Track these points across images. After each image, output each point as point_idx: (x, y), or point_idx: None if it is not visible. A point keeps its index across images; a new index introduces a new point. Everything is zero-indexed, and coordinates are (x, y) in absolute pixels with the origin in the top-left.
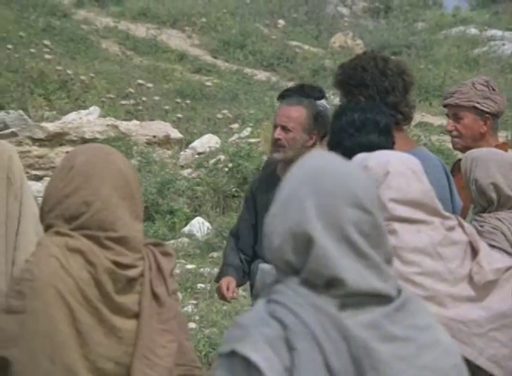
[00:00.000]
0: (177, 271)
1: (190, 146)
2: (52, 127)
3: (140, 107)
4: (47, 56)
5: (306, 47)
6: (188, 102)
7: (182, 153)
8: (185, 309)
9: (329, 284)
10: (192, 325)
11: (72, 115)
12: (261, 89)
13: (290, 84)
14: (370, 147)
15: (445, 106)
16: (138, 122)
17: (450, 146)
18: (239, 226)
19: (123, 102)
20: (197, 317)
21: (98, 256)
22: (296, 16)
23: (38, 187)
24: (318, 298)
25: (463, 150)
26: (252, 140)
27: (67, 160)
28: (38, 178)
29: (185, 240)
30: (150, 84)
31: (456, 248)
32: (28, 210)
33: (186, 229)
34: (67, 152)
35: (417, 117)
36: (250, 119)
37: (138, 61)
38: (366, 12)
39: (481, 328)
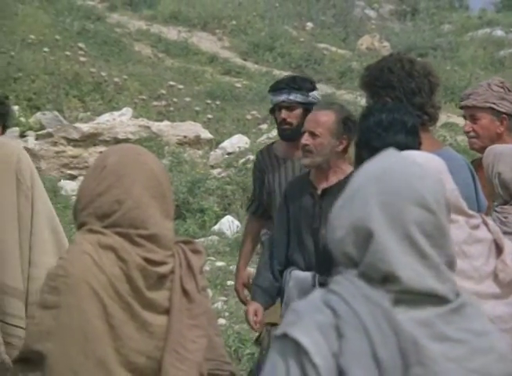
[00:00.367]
0: (207, 268)
1: (220, 146)
2: (86, 127)
3: (171, 108)
4: (82, 59)
5: (334, 49)
6: (218, 103)
7: (212, 153)
8: (215, 305)
9: (385, 279)
10: (221, 321)
11: (105, 116)
12: None
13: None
14: (398, 147)
15: (461, 107)
16: (169, 123)
17: None
18: (274, 233)
19: (155, 103)
20: (227, 313)
21: (129, 253)
22: (324, 19)
23: (73, 186)
24: (372, 291)
25: (481, 150)
26: None
27: (100, 160)
28: (73, 178)
29: (215, 238)
30: (181, 86)
31: (481, 246)
32: (40, 208)
33: (216, 227)
34: (101, 152)
35: (443, 117)
36: None
37: (170, 63)
38: (393, 14)
39: (506, 324)
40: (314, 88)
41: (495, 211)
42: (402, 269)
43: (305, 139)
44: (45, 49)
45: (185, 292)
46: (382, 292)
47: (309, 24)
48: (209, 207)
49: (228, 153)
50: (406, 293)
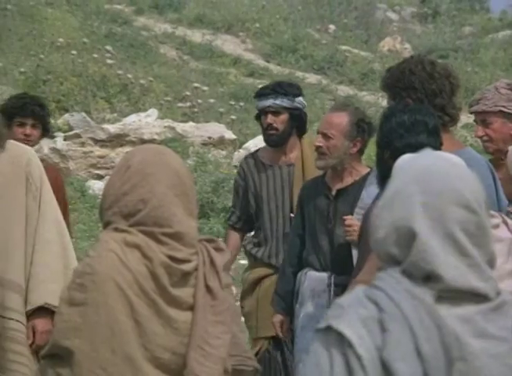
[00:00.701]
0: (231, 266)
1: (244, 146)
2: (113, 128)
3: (196, 109)
4: (109, 61)
5: (355, 51)
6: (241, 104)
7: (235, 153)
8: (239, 302)
9: (427, 278)
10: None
11: (132, 117)
12: (311, 92)
13: (340, 87)
14: (419, 148)
15: (471, 113)
16: (194, 124)
17: None
18: (291, 234)
19: (180, 104)
20: None
21: (154, 251)
22: (346, 22)
23: (100, 186)
24: (415, 288)
25: (496, 153)
26: None
27: (125, 160)
28: (100, 178)
29: None
30: (206, 88)
31: (501, 245)
32: (48, 209)
33: None
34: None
35: (463, 118)
36: None
37: (195, 65)
38: (415, 17)
39: None
40: (300, 94)
41: None
42: (444, 269)
43: (318, 141)
44: (74, 52)
45: (208, 289)
46: (424, 289)
47: (331, 27)
48: None
49: None
50: (448, 291)
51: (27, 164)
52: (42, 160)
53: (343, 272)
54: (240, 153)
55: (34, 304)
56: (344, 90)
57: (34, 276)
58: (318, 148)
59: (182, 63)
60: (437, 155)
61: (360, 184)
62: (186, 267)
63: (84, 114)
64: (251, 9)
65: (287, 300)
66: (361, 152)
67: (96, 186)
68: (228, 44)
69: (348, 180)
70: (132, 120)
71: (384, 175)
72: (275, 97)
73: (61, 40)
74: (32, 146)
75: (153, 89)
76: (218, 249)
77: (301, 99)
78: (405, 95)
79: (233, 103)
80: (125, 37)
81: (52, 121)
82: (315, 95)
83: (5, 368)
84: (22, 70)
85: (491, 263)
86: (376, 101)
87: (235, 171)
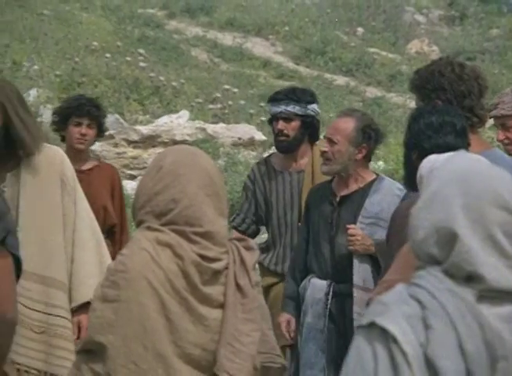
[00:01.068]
0: None
1: (273, 147)
2: (145, 130)
3: (226, 111)
4: (141, 64)
5: (384, 53)
6: None
7: (265, 153)
8: None
9: (469, 278)
10: None
11: (164, 119)
12: (340, 93)
13: (368, 88)
14: (447, 148)
15: (490, 117)
16: (224, 125)
17: None
18: (298, 238)
19: (210, 106)
20: None
21: (185, 250)
22: (374, 24)
23: (133, 186)
24: (457, 287)
25: None
26: None
27: (157, 161)
28: (133, 178)
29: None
30: (236, 90)
31: None
32: (82, 208)
33: None
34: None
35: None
36: (330, 122)
37: (225, 68)
38: (442, 19)
39: None
40: (314, 101)
41: None
42: (486, 270)
43: (324, 146)
44: (107, 55)
45: (238, 287)
46: (465, 289)
47: (360, 29)
48: None
49: None
50: (489, 291)
51: (60, 164)
52: (98, 158)
53: (343, 280)
54: None
55: (79, 300)
56: (372, 92)
57: (76, 273)
58: (323, 153)
59: (213, 65)
60: (473, 157)
61: (365, 191)
62: (217, 266)
63: (117, 116)
64: (281, 12)
65: (296, 301)
66: (367, 158)
67: (129, 186)
68: (258, 47)
69: (353, 187)
70: (164, 121)
71: (411, 175)
72: (287, 103)
73: (95, 43)
74: (88, 145)
75: (184, 91)
76: (248, 248)
77: (314, 106)
78: (435, 96)
79: (263, 104)
80: (158, 41)
81: None
82: (344, 97)
83: (52, 364)
84: (58, 72)
85: None
86: (403, 102)
87: None
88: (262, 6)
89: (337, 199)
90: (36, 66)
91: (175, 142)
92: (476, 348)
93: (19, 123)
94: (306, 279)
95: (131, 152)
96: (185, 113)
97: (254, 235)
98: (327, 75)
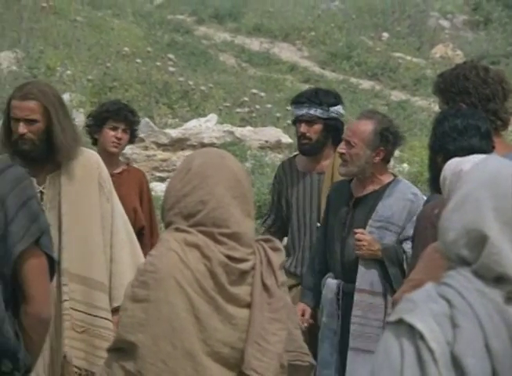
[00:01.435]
0: None
1: None
2: (174, 133)
3: (254, 115)
4: (171, 69)
5: (408, 58)
6: None
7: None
8: None
9: (498, 279)
10: None
11: (192, 122)
12: (365, 97)
13: (393, 92)
14: (472, 151)
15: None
16: (252, 128)
17: None
18: (318, 233)
19: (238, 110)
20: None
21: (213, 250)
22: (399, 29)
23: (162, 188)
24: (486, 288)
25: None
26: None
27: (185, 163)
28: (162, 180)
29: None
30: (263, 94)
31: None
32: (117, 210)
33: None
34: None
35: None
36: None
37: (253, 72)
38: (466, 24)
39: None
40: (338, 103)
41: None
42: None
43: (341, 148)
44: (138, 60)
45: (265, 287)
46: (494, 289)
47: (385, 34)
48: None
49: None
50: None
51: (97, 167)
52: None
53: (352, 280)
54: None
55: (120, 300)
56: (397, 95)
57: (115, 274)
58: (341, 155)
59: (241, 70)
60: (504, 160)
61: (379, 193)
62: (244, 266)
63: (147, 120)
64: (307, 18)
65: (314, 291)
66: (385, 160)
67: (158, 188)
68: (285, 51)
69: (369, 189)
70: (193, 125)
71: (436, 178)
72: (309, 106)
73: (126, 49)
74: (121, 149)
75: (212, 95)
76: (275, 249)
77: (337, 108)
78: (459, 99)
79: (290, 108)
80: (187, 46)
81: None
82: (369, 101)
83: (94, 364)
84: (90, 77)
85: None
86: (428, 106)
87: None
88: (289, 12)
89: (353, 200)
90: (69, 72)
91: (204, 145)
92: (502, 348)
93: (60, 127)
94: (324, 277)
95: (161, 155)
96: (213, 117)
97: (283, 236)
98: (353, 79)
